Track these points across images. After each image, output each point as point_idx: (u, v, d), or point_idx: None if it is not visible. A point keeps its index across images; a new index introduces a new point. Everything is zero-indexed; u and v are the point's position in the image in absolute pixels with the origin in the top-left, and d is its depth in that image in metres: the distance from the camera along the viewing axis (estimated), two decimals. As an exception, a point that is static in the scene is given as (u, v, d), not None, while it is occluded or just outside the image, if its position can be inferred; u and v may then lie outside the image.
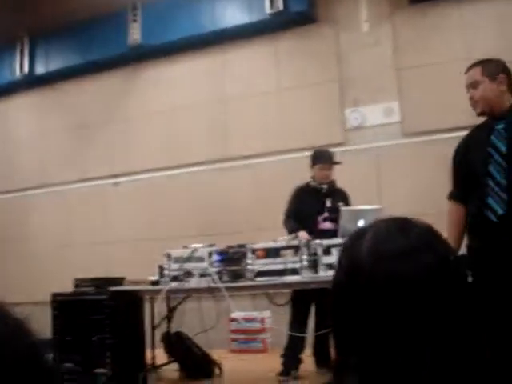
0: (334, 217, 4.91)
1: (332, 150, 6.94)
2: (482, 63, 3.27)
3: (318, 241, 4.41)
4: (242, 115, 7.53)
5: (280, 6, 7.13)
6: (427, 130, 6.64)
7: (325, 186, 5.13)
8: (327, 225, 4.95)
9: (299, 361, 4.93)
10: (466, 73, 3.33)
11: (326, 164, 5.16)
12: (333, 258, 4.26)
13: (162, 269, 4.74)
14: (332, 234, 4.66)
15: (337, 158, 6.88)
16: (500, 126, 3.12)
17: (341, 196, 5.14)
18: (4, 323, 0.66)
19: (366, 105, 7.02)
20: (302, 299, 4.95)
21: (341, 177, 6.70)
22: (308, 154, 5.44)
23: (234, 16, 7.51)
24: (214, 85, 7.76)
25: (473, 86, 3.24)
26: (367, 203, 5.09)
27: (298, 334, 4.79)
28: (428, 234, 0.91)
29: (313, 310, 5.01)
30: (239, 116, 7.55)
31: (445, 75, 6.56)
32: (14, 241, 8.46)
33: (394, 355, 0.82)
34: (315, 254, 4.34)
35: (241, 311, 6.42)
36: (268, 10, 7.19)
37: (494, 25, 6.57)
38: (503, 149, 3.06)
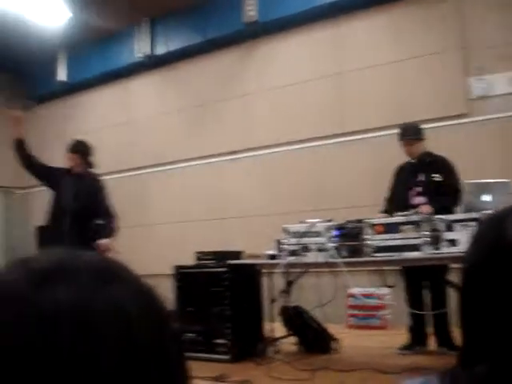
0: (427, 190, 4.76)
1: (455, 121, 6.74)
2: None
3: (440, 216, 4.25)
4: (359, 88, 7.37)
5: (398, -27, 6.87)
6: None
7: (414, 161, 4.98)
8: (420, 199, 4.80)
9: (425, 336, 4.86)
10: None
11: (404, 141, 5.03)
12: (455, 234, 4.09)
13: (279, 243, 4.77)
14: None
15: (458, 130, 6.64)
16: None
17: (439, 166, 4.92)
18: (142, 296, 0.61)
19: (491, 73, 6.63)
20: (413, 276, 4.85)
21: (463, 150, 6.44)
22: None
23: (349, -13, 7.33)
24: (329, 58, 7.65)
25: None
26: (492, 177, 4.84)
27: (416, 311, 4.70)
28: None
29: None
30: (356, 89, 7.40)
31: None
32: (137, 216, 8.85)
33: None
34: (436, 229, 4.18)
35: (359, 287, 6.36)
36: (385, -22, 6.95)
37: None
38: None
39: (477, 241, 0.83)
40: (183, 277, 5.14)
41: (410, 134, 5.03)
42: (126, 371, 0.51)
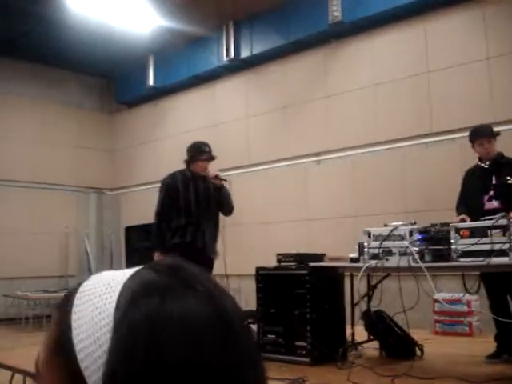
0: (500, 194, 4.57)
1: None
2: None
3: (529, 220, 4.06)
4: (447, 87, 7.18)
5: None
6: None
7: (487, 163, 4.80)
8: (494, 204, 4.63)
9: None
10: None
11: (484, 138, 4.81)
12: (548, 239, 3.90)
13: (361, 246, 4.71)
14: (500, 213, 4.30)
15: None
16: None
17: (510, 169, 4.68)
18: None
19: None
20: (494, 282, 4.67)
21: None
22: None
23: (437, -17, 7.14)
24: (416, 57, 7.48)
25: None
26: None
27: (499, 319, 4.51)
28: None
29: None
30: (444, 88, 7.20)
31: None
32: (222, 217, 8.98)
33: None
34: (527, 234, 4.00)
35: (447, 292, 6.18)
36: (475, -28, 6.73)
37: None
38: None
39: None
40: (264, 278, 5.17)
41: (488, 132, 4.86)
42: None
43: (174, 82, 9.81)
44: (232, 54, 8.87)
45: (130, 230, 6.67)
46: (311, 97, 8.35)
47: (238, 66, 9.08)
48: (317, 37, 8.14)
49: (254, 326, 5.24)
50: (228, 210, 5.45)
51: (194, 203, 5.24)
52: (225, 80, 9.38)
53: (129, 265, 6.40)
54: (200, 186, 5.31)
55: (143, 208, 10.13)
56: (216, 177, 5.32)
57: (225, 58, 8.98)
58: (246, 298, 6.95)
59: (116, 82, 10.90)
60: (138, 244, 6.24)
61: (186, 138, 9.80)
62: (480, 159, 4.94)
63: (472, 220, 4.52)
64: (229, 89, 9.38)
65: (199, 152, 5.34)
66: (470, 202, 4.88)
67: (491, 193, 4.76)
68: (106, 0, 7.87)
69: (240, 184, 8.99)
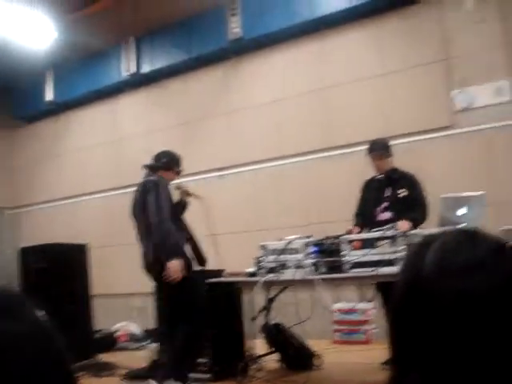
0: (393, 206, 4.81)
1: (438, 134, 6.74)
2: None
3: (414, 231, 4.25)
4: (344, 102, 7.39)
5: (382, -13, 6.90)
6: (542, 108, 6.19)
7: (381, 177, 5.04)
8: (386, 215, 4.86)
9: None
10: None
11: (375, 154, 5.06)
12: (431, 248, 4.08)
13: (258, 261, 4.76)
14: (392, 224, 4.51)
15: (443, 142, 6.64)
16: None
17: (405, 182, 4.96)
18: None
19: (475, 85, 6.65)
20: (388, 291, 4.84)
21: (447, 162, 6.44)
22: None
23: (332, 2, 7.36)
24: (315, 74, 7.67)
25: None
26: (477, 190, 4.83)
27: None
28: (498, 248, 0.84)
29: None
30: (342, 103, 7.41)
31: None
32: (118, 236, 8.82)
33: (457, 375, 0.77)
34: (411, 244, 4.17)
35: (345, 302, 6.34)
36: (370, -8, 6.99)
37: None
38: None
39: (401, 271, 0.89)
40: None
41: (379, 149, 5.06)
42: None
43: (75, 97, 9.58)
44: (133, 69, 8.77)
45: (26, 250, 6.43)
46: (213, 112, 8.39)
47: (140, 81, 8.99)
48: (217, 53, 8.19)
49: (153, 345, 5.18)
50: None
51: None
52: (126, 95, 9.25)
53: (25, 286, 6.16)
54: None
55: (45, 226, 9.84)
56: (188, 192, 5.19)
57: (126, 73, 8.86)
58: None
59: (13, 97, 10.51)
60: (36, 265, 6.01)
61: (87, 154, 9.64)
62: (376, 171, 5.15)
63: (367, 230, 4.66)
64: (130, 104, 9.26)
65: (177, 163, 5.13)
66: (365, 212, 5.08)
67: (384, 204, 4.96)
68: (1, 13, 7.61)
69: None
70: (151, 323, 6.66)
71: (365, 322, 6.18)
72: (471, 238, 0.85)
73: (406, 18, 7.14)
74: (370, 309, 5.97)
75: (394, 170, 5.09)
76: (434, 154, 6.57)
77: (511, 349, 0.77)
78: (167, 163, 5.04)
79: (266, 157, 7.87)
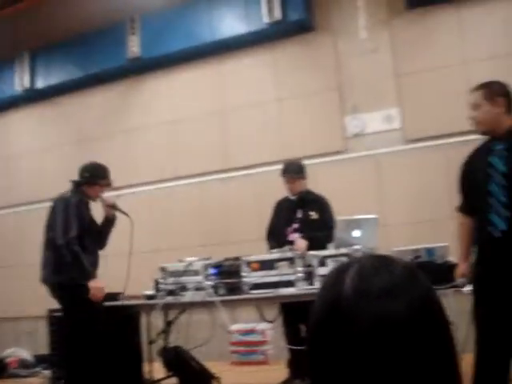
0: (303, 227, 4.93)
1: (333, 158, 6.99)
2: (483, 87, 3.40)
3: (312, 252, 4.37)
4: (241, 125, 7.50)
5: (278, 15, 7.09)
6: (428, 135, 6.57)
7: (294, 198, 5.14)
8: (295, 236, 4.97)
9: (304, 370, 4.94)
10: (470, 94, 3.44)
11: (287, 177, 5.17)
12: (328, 269, 4.21)
13: (157, 283, 4.71)
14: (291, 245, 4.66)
15: (336, 166, 6.89)
16: (499, 147, 3.27)
17: (316, 205, 5.11)
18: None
19: (366, 112, 6.96)
20: (289, 311, 4.95)
21: (340, 185, 6.68)
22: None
23: (231, 26, 7.49)
24: (213, 96, 7.74)
25: (474, 107, 3.37)
26: (368, 212, 5.05)
27: (294, 347, 4.77)
28: (411, 271, 0.88)
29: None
30: (239, 126, 7.52)
31: (444, 80, 6.51)
32: (12, 256, 8.45)
33: None
34: (310, 265, 4.29)
35: (243, 323, 6.37)
36: (266, 19, 7.16)
37: (493, 29, 6.51)
38: (503, 168, 3.20)
39: (319, 295, 0.89)
40: (57, 320, 4.94)
41: (292, 171, 5.17)
42: None
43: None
44: (27, 84, 8.47)
45: None
46: (110, 131, 8.24)
47: (34, 97, 8.68)
48: (116, 71, 8.08)
49: (47, 372, 4.98)
50: (106, 243, 5.12)
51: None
52: (19, 110, 8.91)
53: None
54: (89, 212, 4.90)
55: None
56: (113, 206, 4.99)
57: (19, 88, 8.54)
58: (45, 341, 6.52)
59: None
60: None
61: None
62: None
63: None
64: (24, 120, 8.91)
65: (102, 176, 4.92)
66: (276, 232, 5.14)
67: (295, 225, 5.05)
68: None
69: (33, 221, 8.53)
70: (41, 348, 6.39)
71: (263, 343, 6.24)
72: (387, 262, 0.87)
73: (301, 45, 7.38)
74: (268, 329, 6.04)
75: (308, 193, 5.21)
76: (329, 178, 6.79)
77: (427, 372, 0.79)
78: (90, 178, 4.99)
79: (163, 177, 7.83)
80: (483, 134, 3.39)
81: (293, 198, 5.19)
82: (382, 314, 0.80)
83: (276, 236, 5.12)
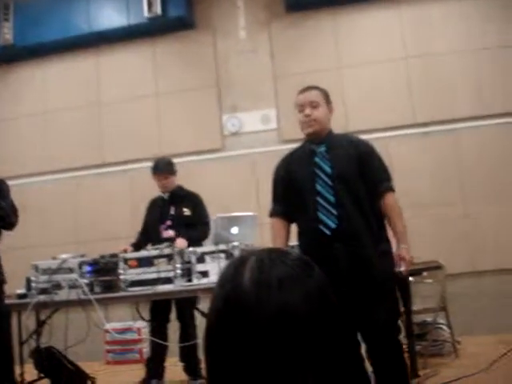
0: (177, 224, 4.99)
1: (210, 155, 7.05)
2: (318, 88, 3.54)
3: (191, 249, 4.39)
4: (118, 120, 7.37)
5: (158, 10, 7.03)
6: (302, 137, 6.76)
7: (166, 195, 5.18)
8: (170, 233, 5.00)
9: (162, 369, 4.97)
10: (302, 92, 3.53)
11: (158, 174, 5.18)
12: (206, 265, 4.26)
13: (29, 281, 4.52)
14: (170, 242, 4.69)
15: (215, 164, 6.96)
16: (322, 149, 3.40)
17: (188, 201, 5.17)
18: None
19: (244, 111, 7.09)
20: (159, 308, 4.97)
21: (219, 182, 6.76)
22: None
23: (110, 18, 7.32)
24: (88, 88, 7.54)
25: (314, 105, 3.44)
26: (246, 209, 5.15)
27: (159, 341, 4.79)
28: (306, 262, 0.90)
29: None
30: (115, 120, 7.38)
31: (320, 83, 6.71)
32: None
33: None
34: (188, 262, 4.31)
35: (118, 321, 6.27)
36: (146, 13, 7.07)
37: (368, 35, 6.86)
38: (328, 169, 3.34)
39: (217, 288, 0.90)
40: None
41: (162, 168, 5.14)
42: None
43: None
44: None
45: None
46: (-21, 120, 7.79)
47: None
48: (-15, 58, 7.65)
49: None
50: None
51: None
52: None
53: None
54: None
55: None
56: None
57: None
58: None
59: None
60: None
61: None
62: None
63: (152, 247, 4.68)
64: None
65: None
66: (150, 230, 5.13)
67: (168, 222, 5.04)
68: None
69: None
70: None
71: (139, 341, 6.18)
72: (282, 254, 0.91)
73: (181, 42, 7.38)
74: (144, 327, 5.99)
75: (180, 188, 5.21)
76: (206, 175, 6.84)
77: (326, 363, 0.82)
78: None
79: (37, 170, 7.51)
80: (311, 134, 3.43)
81: (165, 195, 5.19)
82: (282, 304, 0.82)
83: (149, 234, 5.11)
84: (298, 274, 0.86)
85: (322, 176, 3.32)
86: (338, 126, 3.70)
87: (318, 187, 3.32)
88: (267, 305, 0.82)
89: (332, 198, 3.29)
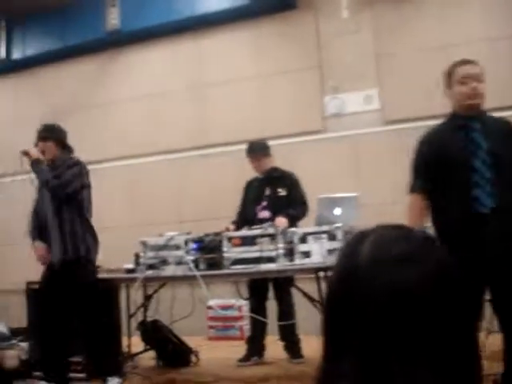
0: (272, 205, 4.98)
1: (311, 137, 7.02)
2: (479, 64, 3.37)
3: (294, 229, 4.41)
4: (220, 101, 7.48)
5: (261, -9, 7.05)
6: (407, 117, 6.62)
7: (261, 176, 5.20)
8: (265, 213, 5.01)
9: (262, 347, 5.02)
10: (465, 64, 3.36)
11: (252, 156, 5.22)
12: (309, 245, 4.26)
13: (137, 257, 4.71)
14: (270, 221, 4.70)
15: (315, 146, 6.93)
16: (477, 125, 3.25)
17: (284, 182, 5.15)
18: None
19: (346, 92, 6.99)
20: (258, 286, 5.02)
21: (318, 164, 6.73)
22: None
23: (212, 1, 7.43)
24: (192, 71, 7.70)
25: (479, 79, 3.31)
26: (345, 191, 5.09)
27: (259, 318, 4.85)
28: (430, 241, 0.89)
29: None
30: (218, 102, 7.50)
31: (424, 62, 6.56)
32: None
33: (391, 366, 0.79)
34: (291, 241, 4.33)
35: (220, 299, 6.41)
36: (248, -5, 7.12)
37: (474, 12, 6.57)
38: (485, 146, 3.18)
39: (337, 263, 0.90)
40: (35, 293, 4.90)
41: (256, 150, 5.19)
42: None
43: None
44: (3, 55, 8.30)
45: None
46: (87, 103, 8.14)
47: (9, 67, 8.52)
48: (94, 43, 7.96)
49: (24, 345, 4.96)
50: None
51: None
52: (-6, 81, 8.75)
53: None
54: None
55: None
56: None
57: (-6, 58, 8.38)
58: (19, 315, 6.48)
59: None
60: None
61: None
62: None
63: (248, 228, 4.72)
64: (-2, 90, 8.76)
65: None
66: (246, 211, 5.18)
67: (264, 203, 5.08)
68: None
69: (10, 193, 8.43)
70: (15, 322, 6.34)
71: (239, 318, 6.30)
72: (403, 232, 0.89)
73: (283, 23, 7.36)
74: (245, 305, 6.09)
75: (274, 169, 5.23)
76: (307, 157, 6.82)
77: (441, 335, 0.81)
78: None
79: (141, 151, 7.78)
80: (475, 107, 3.30)
81: (261, 176, 5.22)
82: (397, 280, 0.81)
83: (246, 215, 5.16)
84: (417, 253, 0.85)
85: (479, 152, 3.17)
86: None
87: (477, 164, 3.16)
88: (382, 282, 0.81)
89: (490, 176, 3.13)
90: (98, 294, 4.48)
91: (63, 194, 4.30)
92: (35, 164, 4.35)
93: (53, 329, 4.32)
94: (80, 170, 4.44)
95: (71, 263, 4.31)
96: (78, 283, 4.32)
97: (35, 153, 4.41)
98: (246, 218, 5.11)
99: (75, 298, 4.34)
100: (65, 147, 4.63)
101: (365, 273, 0.83)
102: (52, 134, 4.55)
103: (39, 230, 4.47)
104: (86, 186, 4.51)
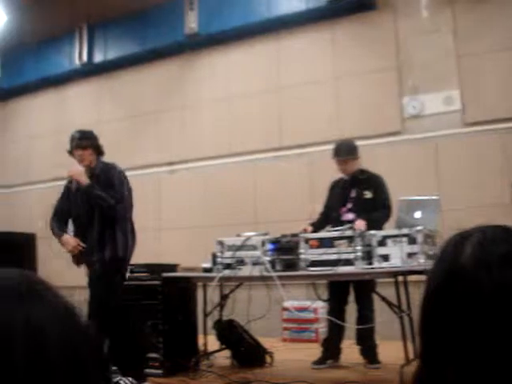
0: (357, 207, 4.89)
1: (389, 138, 6.90)
2: None
3: (372, 232, 4.33)
4: (297, 103, 7.47)
5: (337, -8, 7.00)
6: (489, 119, 6.42)
7: (347, 177, 5.09)
8: (349, 216, 4.92)
9: (338, 351, 4.95)
10: None
11: (338, 158, 5.08)
12: (387, 249, 4.18)
13: (214, 256, 4.75)
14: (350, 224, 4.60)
15: (393, 147, 6.80)
16: None
17: (370, 184, 5.03)
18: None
19: (425, 93, 6.84)
20: (339, 289, 4.95)
21: (398, 166, 6.60)
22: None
23: (289, 3, 7.44)
24: (269, 73, 7.72)
25: None
26: (425, 193, 4.97)
27: (338, 321, 4.78)
28: None
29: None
30: (294, 104, 7.49)
31: (507, 62, 6.34)
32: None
33: (498, 370, 0.76)
34: (369, 245, 4.26)
35: (294, 300, 6.39)
36: (325, -3, 7.08)
37: None
38: None
39: (437, 263, 0.88)
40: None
41: (343, 153, 5.07)
42: None
43: (23, 83, 9.29)
44: (85, 58, 8.59)
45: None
46: (166, 106, 8.31)
47: (91, 71, 8.81)
48: (173, 47, 8.13)
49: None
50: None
51: None
52: (76, 84, 9.05)
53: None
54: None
55: None
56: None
57: (77, 62, 8.67)
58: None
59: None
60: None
61: (34, 143, 9.37)
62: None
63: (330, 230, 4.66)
64: (80, 93, 9.06)
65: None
66: (331, 212, 5.11)
67: (349, 205, 5.01)
68: None
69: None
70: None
71: (315, 321, 6.26)
72: (508, 232, 0.86)
73: (361, 24, 7.28)
74: (321, 307, 6.04)
75: (361, 172, 5.13)
76: (385, 158, 6.71)
77: None
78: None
79: (218, 153, 7.86)
80: None
81: (346, 178, 5.13)
82: (502, 282, 0.78)
83: (329, 216, 5.09)
84: None
85: None
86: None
87: None
88: (486, 282, 0.78)
89: None
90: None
91: (120, 208, 4.36)
92: (90, 189, 4.34)
93: (129, 325, 4.38)
94: (123, 176, 4.48)
95: (112, 261, 4.30)
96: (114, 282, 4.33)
97: (83, 178, 4.36)
98: (329, 218, 5.02)
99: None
100: (100, 153, 4.60)
101: (468, 273, 0.81)
102: (92, 142, 4.52)
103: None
104: (130, 190, 4.55)
